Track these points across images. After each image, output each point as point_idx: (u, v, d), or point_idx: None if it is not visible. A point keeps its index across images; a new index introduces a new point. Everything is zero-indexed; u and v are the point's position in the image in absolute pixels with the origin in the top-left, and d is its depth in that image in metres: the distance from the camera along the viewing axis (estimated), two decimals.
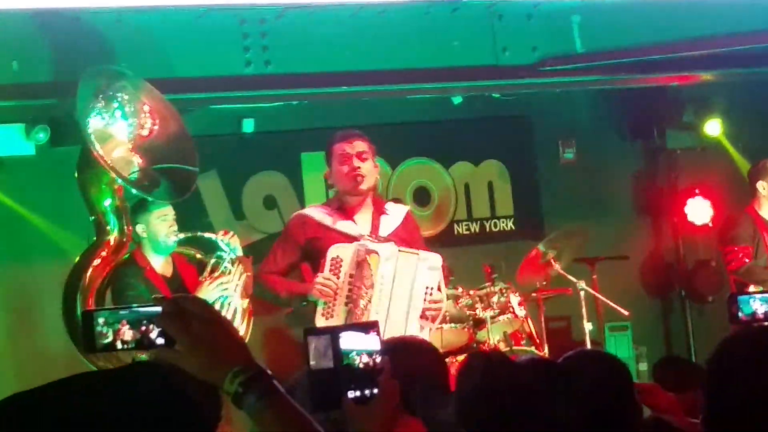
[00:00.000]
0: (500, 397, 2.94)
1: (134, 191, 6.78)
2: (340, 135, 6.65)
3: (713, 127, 9.76)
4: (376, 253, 6.29)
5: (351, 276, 6.29)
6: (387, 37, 8.05)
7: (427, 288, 6.38)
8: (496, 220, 10.11)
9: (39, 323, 8.43)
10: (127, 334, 2.32)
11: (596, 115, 10.36)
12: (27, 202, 8.38)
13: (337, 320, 6.24)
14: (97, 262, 6.86)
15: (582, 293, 8.52)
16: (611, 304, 8.57)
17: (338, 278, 6.29)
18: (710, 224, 9.24)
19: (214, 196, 9.17)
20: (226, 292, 6.93)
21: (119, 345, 2.31)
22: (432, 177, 9.96)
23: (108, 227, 6.84)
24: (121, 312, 2.35)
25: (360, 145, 6.52)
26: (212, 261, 7.00)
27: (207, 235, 7.14)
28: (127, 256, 7.04)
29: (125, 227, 6.89)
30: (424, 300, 6.33)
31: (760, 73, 9.17)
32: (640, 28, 8.59)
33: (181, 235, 7.12)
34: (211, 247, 7.09)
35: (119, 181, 6.68)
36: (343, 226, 6.58)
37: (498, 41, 8.43)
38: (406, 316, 6.26)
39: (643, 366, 9.82)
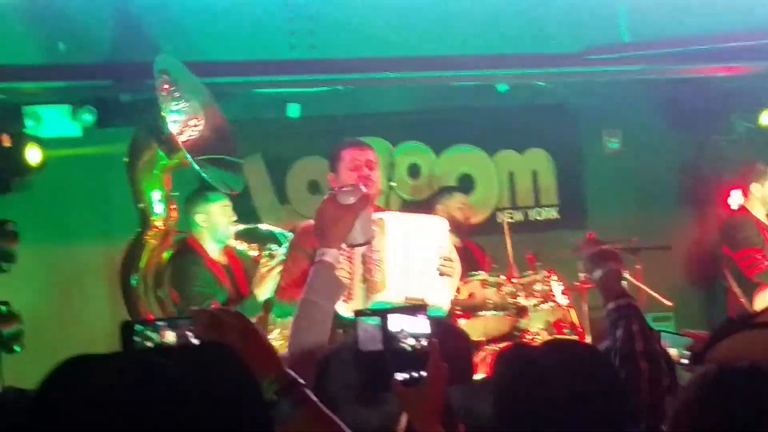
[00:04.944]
0: (535, 385, 2.88)
1: (204, 175, 6.75)
2: (349, 141, 6.68)
3: (766, 118, 9.69)
4: (381, 219, 6.32)
5: (363, 255, 6.32)
6: (434, 22, 8.02)
7: (439, 246, 6.40)
8: (540, 209, 10.07)
9: (82, 304, 8.46)
10: (169, 337, 2.41)
11: (642, 105, 10.27)
12: (72, 183, 8.42)
13: (357, 300, 6.25)
14: (146, 252, 6.89)
15: (624, 283, 8.46)
16: (654, 294, 8.53)
17: (352, 264, 6.31)
18: None
19: (258, 180, 9.18)
20: None
21: None
22: (476, 164, 9.92)
23: (152, 217, 6.87)
24: (159, 323, 2.43)
25: (370, 154, 6.56)
26: (266, 253, 7.03)
27: (266, 227, 7.22)
28: (176, 242, 7.08)
29: (169, 216, 6.92)
30: (439, 257, 6.34)
31: None
32: (687, 18, 8.52)
33: (241, 227, 7.18)
34: (268, 238, 7.13)
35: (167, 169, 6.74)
36: None
37: (544, 29, 8.40)
38: (424, 273, 6.26)
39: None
